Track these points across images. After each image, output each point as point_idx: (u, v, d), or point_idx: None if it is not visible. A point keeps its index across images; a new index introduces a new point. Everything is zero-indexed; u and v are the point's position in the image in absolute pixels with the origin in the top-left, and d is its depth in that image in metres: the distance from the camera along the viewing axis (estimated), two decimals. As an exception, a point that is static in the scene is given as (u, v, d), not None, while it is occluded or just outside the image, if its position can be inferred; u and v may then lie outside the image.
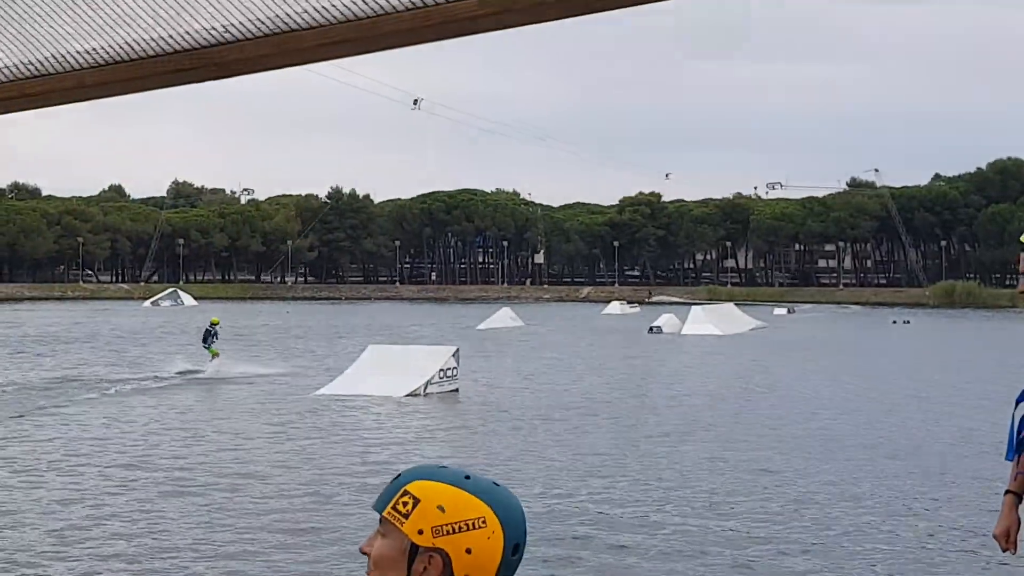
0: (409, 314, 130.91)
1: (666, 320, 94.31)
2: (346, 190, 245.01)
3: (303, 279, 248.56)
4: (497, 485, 2.73)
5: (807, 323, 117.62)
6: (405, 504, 2.66)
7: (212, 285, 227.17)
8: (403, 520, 2.66)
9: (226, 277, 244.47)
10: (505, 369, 54.99)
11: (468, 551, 2.62)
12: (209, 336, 55.69)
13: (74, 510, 21.43)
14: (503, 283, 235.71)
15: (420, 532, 2.64)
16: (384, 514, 2.70)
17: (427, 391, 41.76)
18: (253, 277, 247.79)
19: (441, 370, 42.91)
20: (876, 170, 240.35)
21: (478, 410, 38.10)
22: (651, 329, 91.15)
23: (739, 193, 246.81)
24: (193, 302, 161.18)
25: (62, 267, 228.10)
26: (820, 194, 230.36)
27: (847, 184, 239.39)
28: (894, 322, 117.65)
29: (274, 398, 41.28)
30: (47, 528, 19.95)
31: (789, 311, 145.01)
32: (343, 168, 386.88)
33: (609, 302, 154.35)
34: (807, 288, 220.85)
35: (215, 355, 54.44)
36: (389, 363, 43.57)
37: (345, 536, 19.15)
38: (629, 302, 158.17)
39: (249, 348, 66.68)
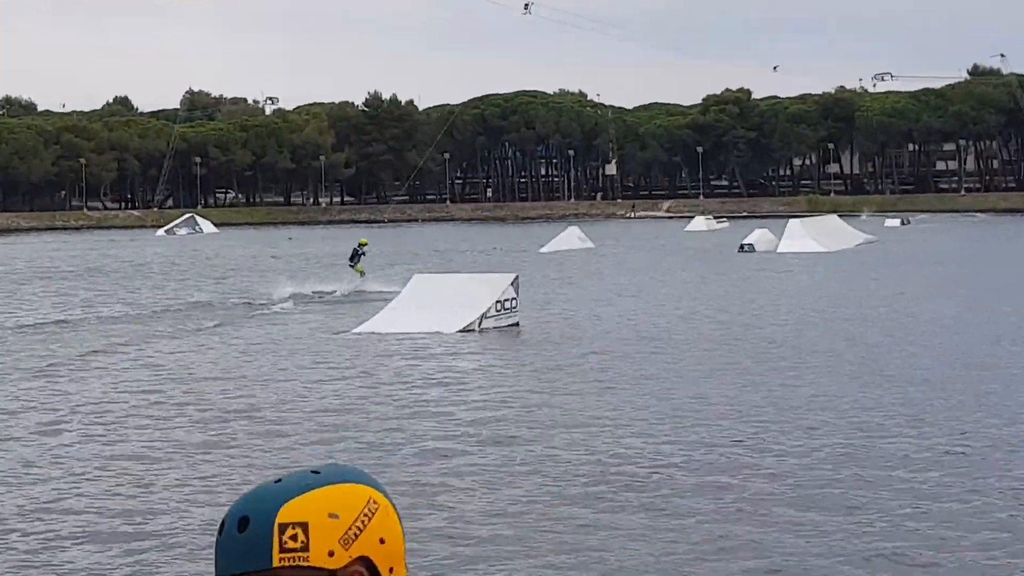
0: (461, 237, 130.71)
1: (759, 237, 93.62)
2: (386, 96, 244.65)
3: (339, 200, 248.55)
4: (337, 465, 2.69)
5: (925, 235, 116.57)
6: (294, 537, 2.52)
7: (235, 209, 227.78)
8: (304, 554, 2.52)
9: (251, 199, 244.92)
10: (574, 298, 54.57)
11: (382, 541, 2.59)
12: (356, 255, 65.98)
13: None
14: (570, 199, 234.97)
15: (331, 554, 2.54)
16: (276, 566, 2.52)
17: (482, 326, 41.36)
18: (281, 199, 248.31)
19: (498, 301, 42.48)
20: (1002, 55, 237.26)
21: (544, 347, 37.63)
22: (742, 247, 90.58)
23: (842, 87, 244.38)
24: (213, 229, 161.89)
25: (63, 192, 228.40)
26: (937, 85, 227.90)
27: (968, 73, 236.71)
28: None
29: (302, 338, 41.00)
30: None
31: (903, 223, 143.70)
32: (383, 72, 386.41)
33: (693, 217, 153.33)
34: (923, 195, 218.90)
35: (361, 273, 64.67)
36: (437, 295, 43.13)
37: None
38: (716, 217, 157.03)
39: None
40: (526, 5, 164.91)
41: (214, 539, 2.57)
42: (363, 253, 66.23)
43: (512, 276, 44.77)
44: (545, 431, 24.11)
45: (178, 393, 29.66)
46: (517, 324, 42.74)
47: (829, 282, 62.42)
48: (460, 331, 40.60)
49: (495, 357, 35.95)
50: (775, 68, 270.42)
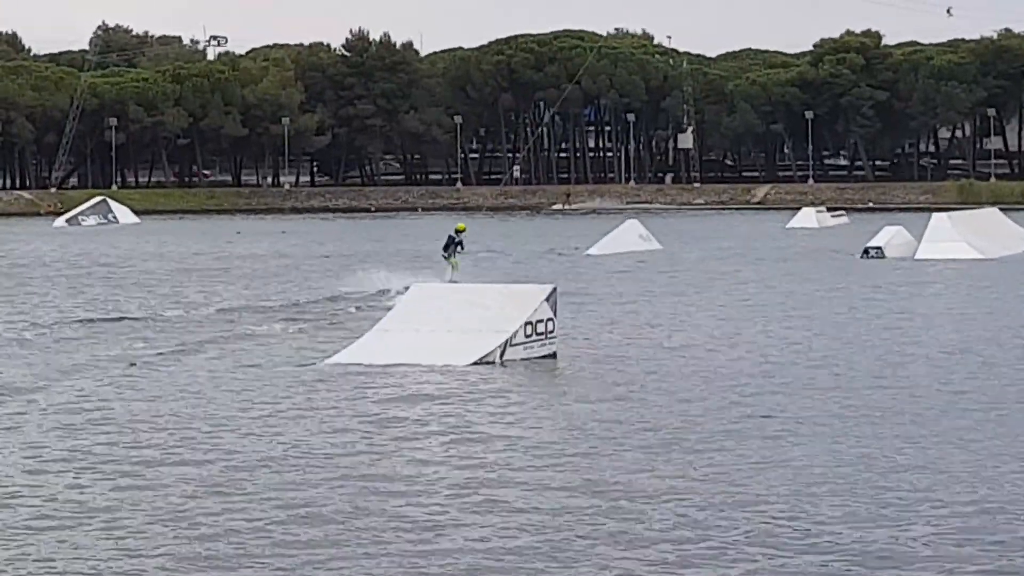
0: (479, 233, 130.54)
1: (890, 237, 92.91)
2: (375, 36, 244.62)
3: (308, 180, 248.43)
4: None
5: None
6: None
7: (164, 191, 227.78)
8: None
9: (186, 179, 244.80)
10: (635, 320, 54.25)
11: None
12: (452, 244, 70.99)
13: None
14: (629, 181, 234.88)
15: None
16: None
17: (505, 357, 41.09)
18: (229, 178, 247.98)
19: (528, 323, 42.13)
20: None
21: (592, 388, 37.30)
22: (866, 252, 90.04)
23: (1008, 30, 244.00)
24: (133, 218, 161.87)
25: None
26: None
27: None
28: None
29: (264, 370, 40.74)
30: None
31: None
32: (368, 4, 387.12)
33: (799, 209, 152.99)
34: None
35: (455, 267, 69.50)
36: (444, 313, 42.91)
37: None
38: (831, 209, 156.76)
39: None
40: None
41: None
42: (460, 241, 71.33)
43: (548, 288, 44.45)
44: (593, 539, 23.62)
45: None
46: (554, 356, 42.44)
47: (990, 299, 61.95)
48: (474, 363, 40.36)
49: (524, 406, 35.46)
50: (948, 11, 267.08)
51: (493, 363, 40.62)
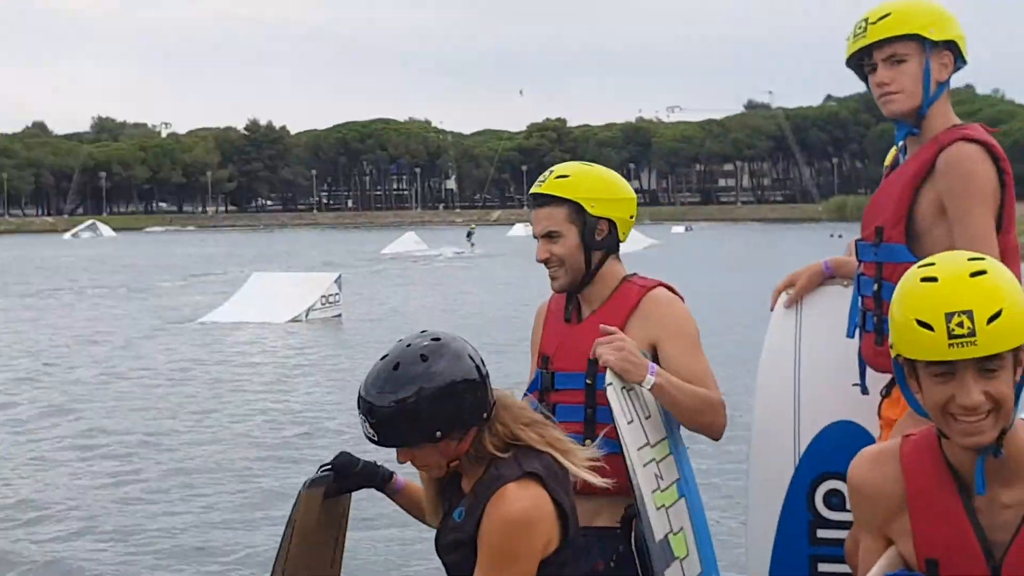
0: (318, 241, 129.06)
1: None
2: (263, 122, 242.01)
3: (223, 209, 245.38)
4: None
5: (702, 240, 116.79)
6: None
7: (135, 216, 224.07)
8: None
9: (148, 209, 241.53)
10: (393, 292, 53.49)
11: None
12: (469, 235, 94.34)
13: None
14: (416, 208, 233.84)
15: None
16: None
17: (309, 316, 40.26)
18: (175, 208, 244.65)
19: (323, 296, 41.33)
20: (770, 92, 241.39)
21: (358, 332, 36.68)
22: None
23: (641, 117, 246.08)
24: (112, 233, 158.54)
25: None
26: (718, 116, 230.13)
27: (744, 106, 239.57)
28: (831, 236, 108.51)
29: (156, 324, 39.64)
30: None
31: (687, 229, 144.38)
32: (260, 102, 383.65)
33: (514, 224, 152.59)
34: (708, 207, 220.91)
35: (472, 246, 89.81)
36: (272, 290, 42.04)
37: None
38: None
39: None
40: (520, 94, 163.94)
41: None
42: (471, 233, 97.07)
43: (336, 275, 43.74)
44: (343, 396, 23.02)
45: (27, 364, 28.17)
46: (340, 316, 41.65)
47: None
48: (289, 321, 39.54)
49: (316, 341, 34.77)
50: (520, 92, 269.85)
51: (300, 320, 39.89)
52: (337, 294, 42.20)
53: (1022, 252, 4.77)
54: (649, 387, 4.69)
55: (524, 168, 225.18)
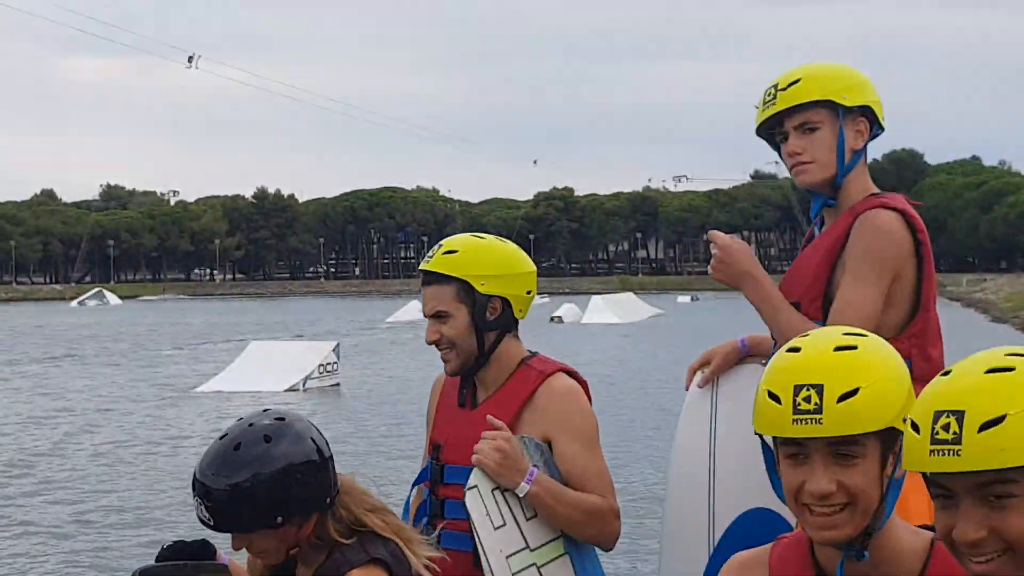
0: (323, 309, 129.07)
1: (567, 310, 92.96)
2: (271, 190, 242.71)
3: (231, 277, 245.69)
4: None
5: (707, 310, 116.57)
6: None
7: (142, 284, 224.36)
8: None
9: (156, 276, 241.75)
10: (393, 362, 53.30)
11: None
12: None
13: None
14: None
15: None
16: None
17: (306, 386, 40.16)
18: (183, 276, 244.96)
19: (321, 365, 41.26)
20: (776, 162, 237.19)
21: (357, 401, 36.61)
22: (552, 318, 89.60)
23: (648, 186, 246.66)
24: (118, 301, 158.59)
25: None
26: (725, 186, 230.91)
27: (750, 176, 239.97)
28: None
29: (154, 392, 39.57)
30: None
31: (692, 299, 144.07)
32: (268, 170, 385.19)
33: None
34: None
35: None
36: (270, 359, 41.97)
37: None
38: (539, 293, 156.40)
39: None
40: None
41: None
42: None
43: (333, 343, 43.79)
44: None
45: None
46: (338, 384, 41.55)
47: (625, 344, 61.91)
48: (286, 390, 39.44)
49: (313, 412, 34.65)
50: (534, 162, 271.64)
51: (298, 390, 39.80)
52: (335, 363, 42.15)
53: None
54: (523, 495, 4.46)
55: (531, 237, 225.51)
